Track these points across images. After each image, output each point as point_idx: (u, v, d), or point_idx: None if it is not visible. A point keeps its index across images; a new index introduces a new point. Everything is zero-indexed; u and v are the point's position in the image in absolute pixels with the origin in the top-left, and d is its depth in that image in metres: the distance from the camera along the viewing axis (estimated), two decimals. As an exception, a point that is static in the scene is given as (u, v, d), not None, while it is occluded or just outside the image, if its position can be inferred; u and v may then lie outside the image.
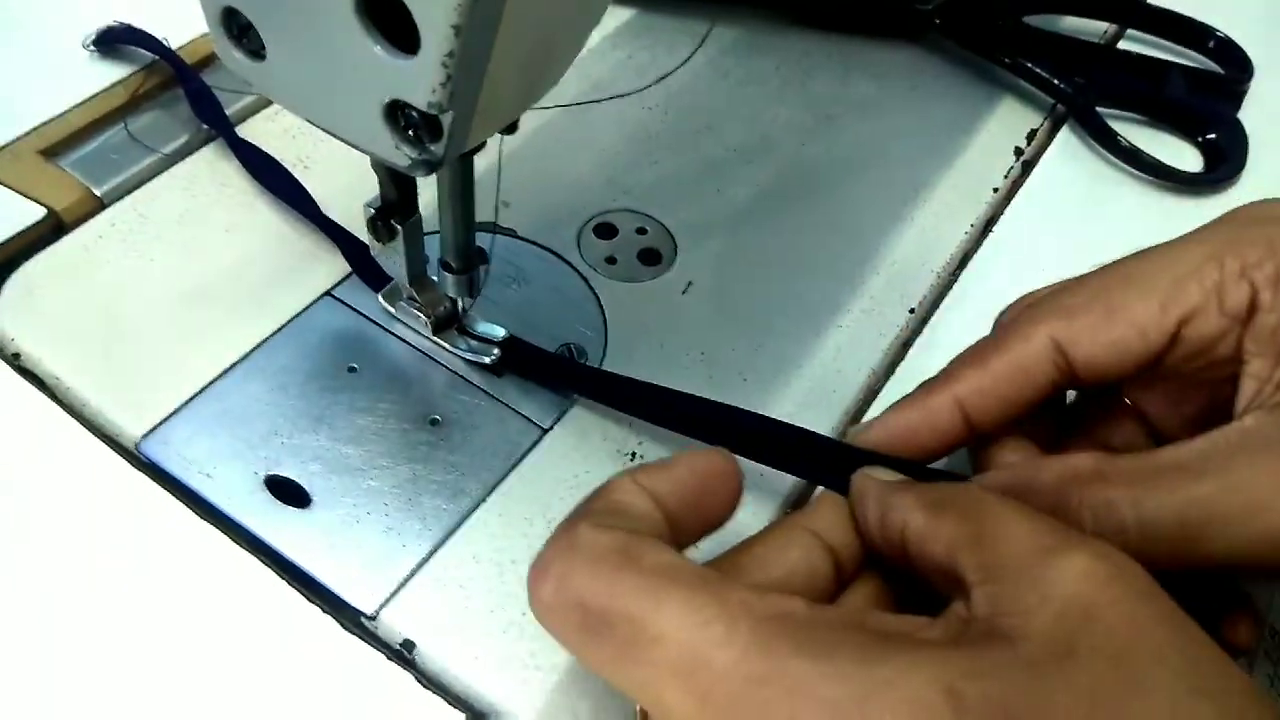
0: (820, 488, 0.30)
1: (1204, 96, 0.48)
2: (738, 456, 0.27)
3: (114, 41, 0.42)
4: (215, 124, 0.40)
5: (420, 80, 0.23)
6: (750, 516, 0.32)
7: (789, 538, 0.26)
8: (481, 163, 0.31)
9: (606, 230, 0.41)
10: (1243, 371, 0.27)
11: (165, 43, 0.42)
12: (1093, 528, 0.25)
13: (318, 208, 0.38)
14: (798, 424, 0.32)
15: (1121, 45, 0.51)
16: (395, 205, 0.32)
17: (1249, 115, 0.47)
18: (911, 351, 0.38)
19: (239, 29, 0.26)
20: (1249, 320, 0.27)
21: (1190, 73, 0.49)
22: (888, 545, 0.26)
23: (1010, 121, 0.47)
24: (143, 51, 0.42)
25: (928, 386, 0.29)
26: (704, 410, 0.33)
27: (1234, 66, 0.49)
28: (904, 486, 0.26)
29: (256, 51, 0.26)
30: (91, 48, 0.42)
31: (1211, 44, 0.50)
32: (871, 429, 0.30)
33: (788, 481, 0.33)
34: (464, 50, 0.22)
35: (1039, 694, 0.20)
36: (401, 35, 0.23)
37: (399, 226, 0.32)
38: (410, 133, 0.25)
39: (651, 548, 0.23)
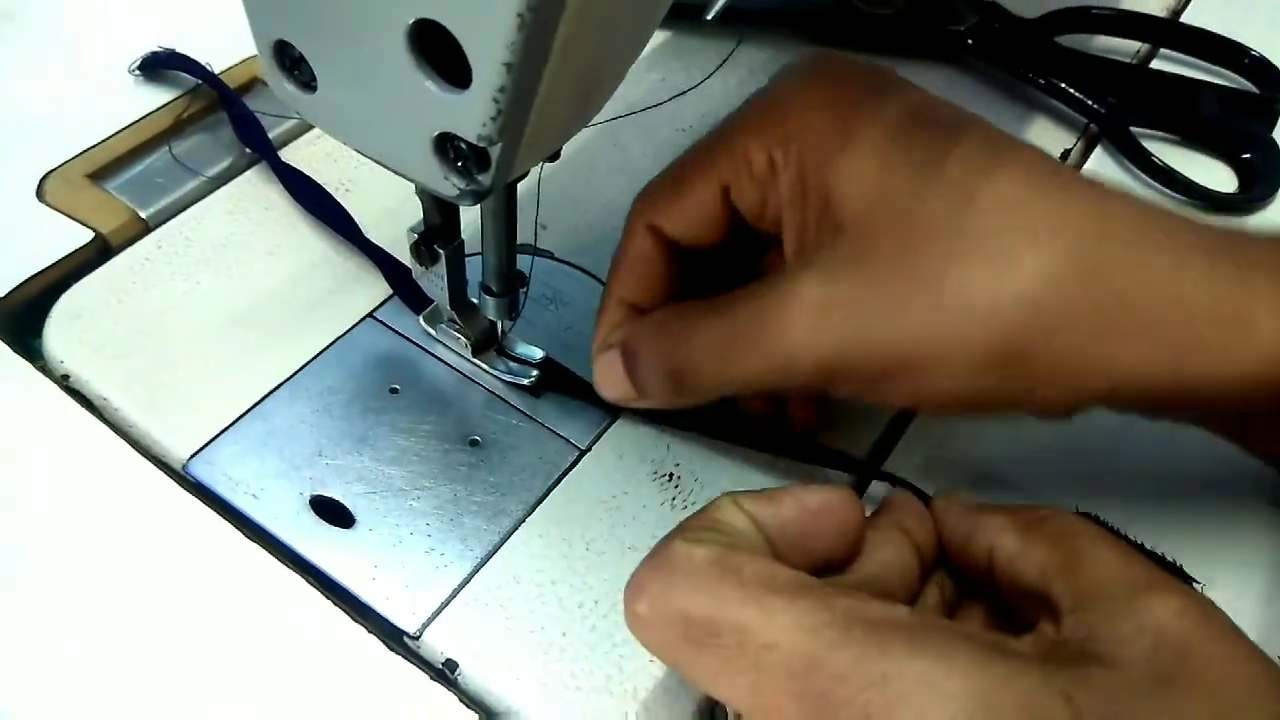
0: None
1: (1239, 116, 0.48)
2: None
3: (159, 67, 0.43)
4: (258, 148, 0.41)
5: (471, 114, 0.23)
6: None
7: (885, 535, 0.27)
8: (521, 186, 0.32)
9: (642, 252, 0.41)
10: (784, 230, 0.30)
11: (209, 68, 0.43)
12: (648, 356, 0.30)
13: (360, 231, 0.39)
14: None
15: (1154, 65, 0.51)
16: (438, 230, 0.33)
17: (1284, 134, 0.47)
18: (946, 373, 0.38)
19: (291, 61, 0.27)
20: (773, 181, 0.29)
21: (1225, 92, 0.49)
22: (971, 562, 0.27)
23: (1043, 142, 0.47)
24: (187, 76, 0.43)
25: (601, 304, 0.33)
26: (740, 428, 0.33)
27: (1269, 85, 0.49)
28: (993, 508, 0.27)
29: (308, 83, 0.27)
30: (137, 73, 0.43)
31: (1246, 62, 0.50)
32: (599, 356, 0.32)
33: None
34: (515, 85, 0.22)
35: (1142, 715, 0.21)
36: (452, 70, 0.23)
37: (441, 251, 0.33)
38: (459, 164, 0.25)
39: (748, 558, 0.24)
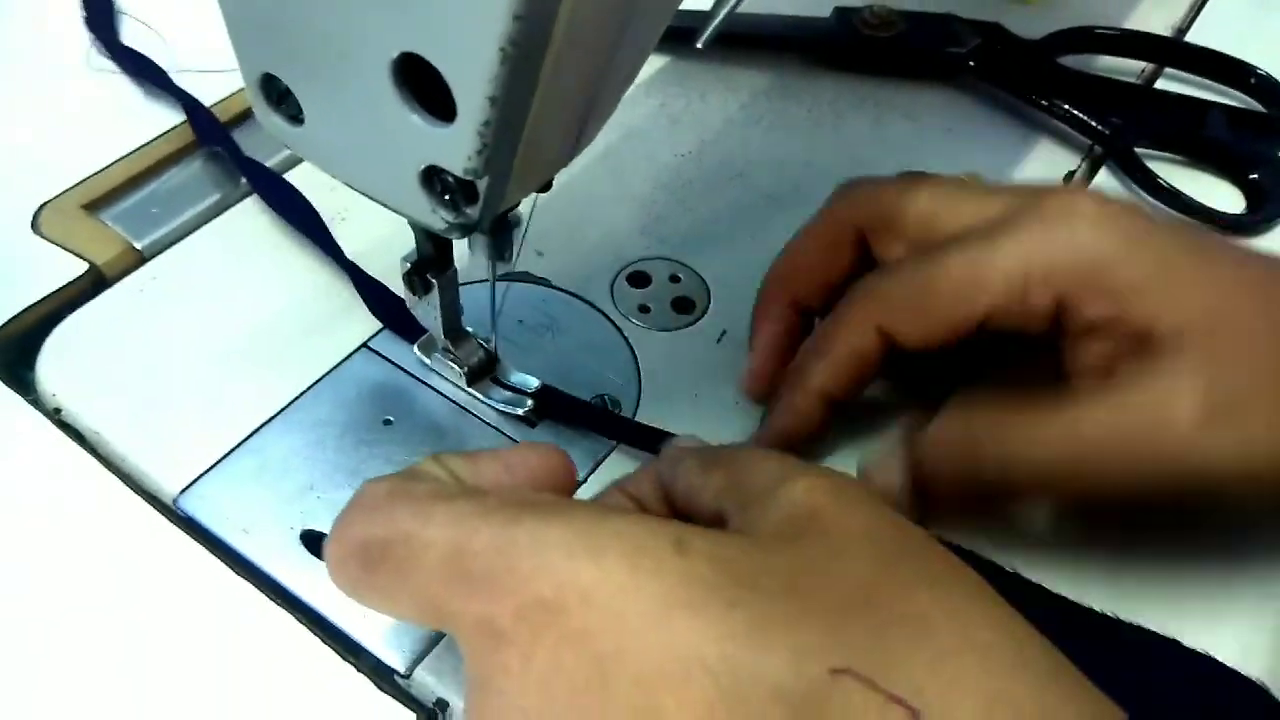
0: None
1: (1245, 135, 0.47)
2: None
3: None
4: (224, 146, 0.41)
5: (457, 148, 0.23)
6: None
7: (608, 498, 0.29)
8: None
9: (640, 279, 0.41)
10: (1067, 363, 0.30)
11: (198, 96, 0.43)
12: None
13: (337, 246, 0.38)
14: None
15: (1159, 85, 0.51)
16: (431, 260, 0.32)
17: (1292, 154, 0.46)
18: (949, 400, 0.37)
19: (278, 95, 0.26)
20: (1060, 316, 0.29)
21: (1231, 111, 0.48)
22: (679, 506, 0.27)
23: (1047, 163, 0.47)
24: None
25: (791, 386, 0.33)
26: None
27: (1276, 104, 0.48)
28: (689, 451, 0.28)
29: (295, 116, 0.26)
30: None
31: (1252, 81, 0.49)
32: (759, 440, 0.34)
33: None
34: (500, 119, 0.22)
35: (759, 558, 0.22)
36: (438, 103, 0.23)
37: (434, 280, 0.33)
38: (447, 197, 0.25)
39: (424, 479, 0.25)
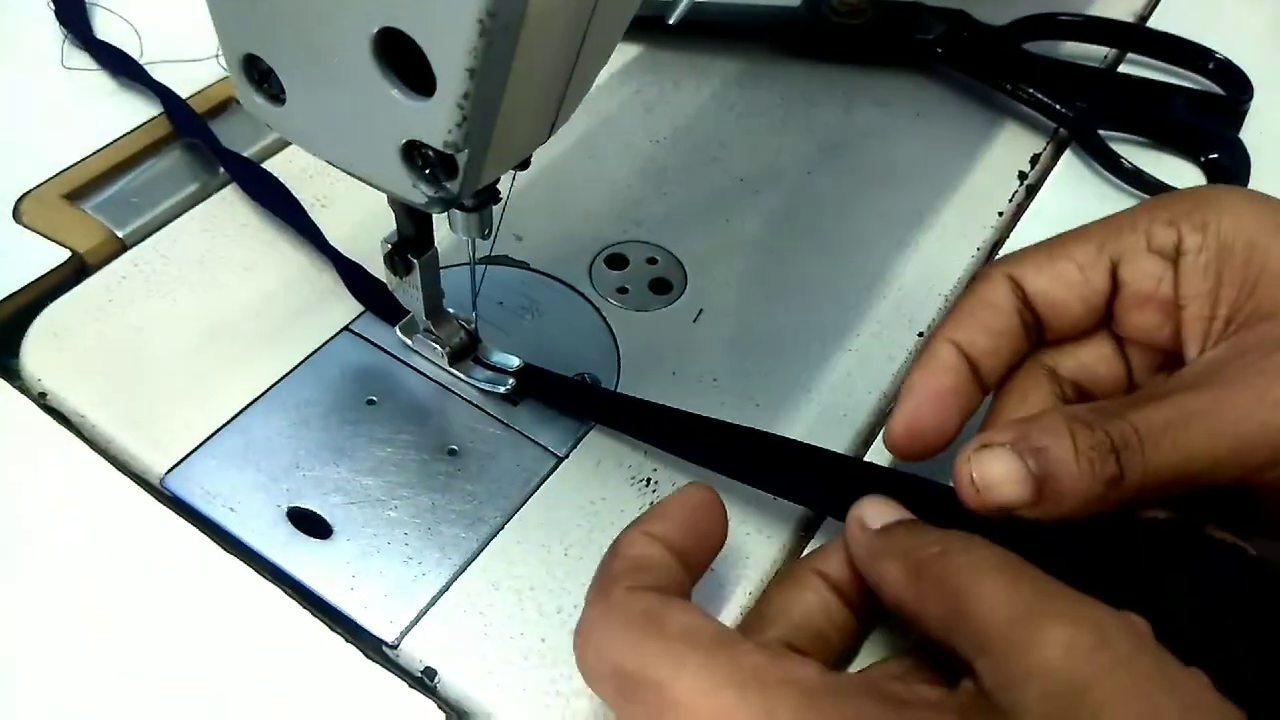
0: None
1: (1205, 117, 0.49)
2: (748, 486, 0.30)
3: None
4: (200, 134, 0.42)
5: (436, 121, 0.24)
6: (765, 541, 0.33)
7: (801, 582, 0.28)
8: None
9: (617, 261, 0.41)
10: (1182, 320, 0.30)
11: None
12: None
13: (324, 239, 0.39)
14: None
15: (1122, 69, 0.52)
16: (412, 240, 0.33)
17: (1250, 134, 0.48)
18: (921, 374, 0.38)
19: (260, 74, 0.27)
20: (1178, 262, 0.30)
21: (1191, 94, 0.49)
22: (888, 606, 0.26)
23: (1013, 146, 0.48)
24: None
25: (923, 345, 0.32)
26: (718, 432, 0.33)
27: (1234, 87, 0.50)
28: (887, 547, 0.26)
29: (277, 96, 0.27)
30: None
31: (1211, 65, 0.51)
32: (900, 406, 0.31)
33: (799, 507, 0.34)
34: (478, 92, 0.23)
35: None
36: (417, 78, 0.24)
37: (415, 261, 0.33)
38: (427, 171, 0.25)
39: (677, 609, 0.24)
